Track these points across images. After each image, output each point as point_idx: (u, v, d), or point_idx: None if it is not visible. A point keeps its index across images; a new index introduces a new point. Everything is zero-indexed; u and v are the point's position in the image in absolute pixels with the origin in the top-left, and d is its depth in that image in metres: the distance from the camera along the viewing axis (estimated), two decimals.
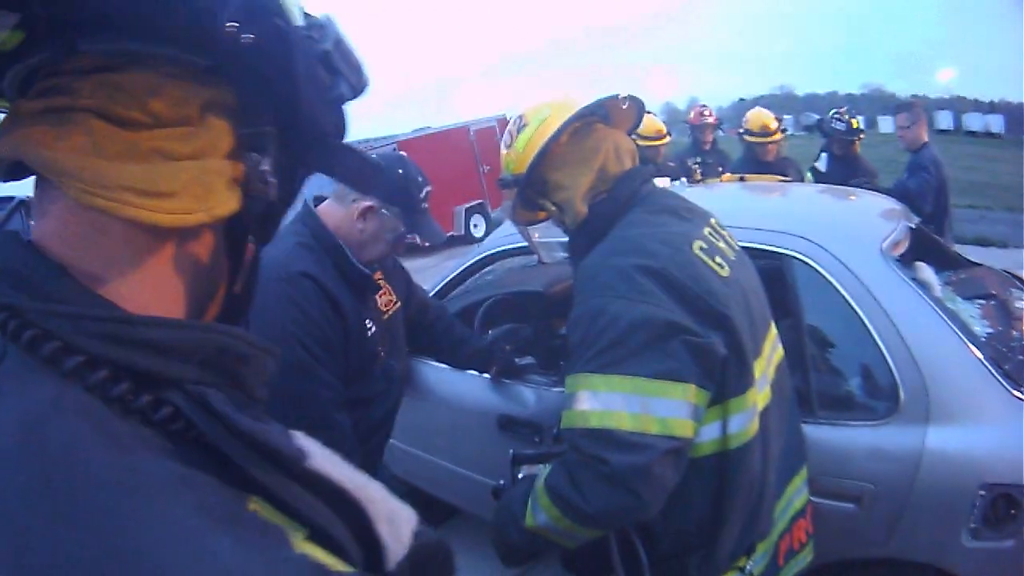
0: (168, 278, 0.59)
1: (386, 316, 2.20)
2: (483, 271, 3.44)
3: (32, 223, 0.56)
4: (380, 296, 2.20)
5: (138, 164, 0.53)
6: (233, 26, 0.52)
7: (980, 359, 1.92)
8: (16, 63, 0.54)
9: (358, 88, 0.67)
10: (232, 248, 0.65)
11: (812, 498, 1.85)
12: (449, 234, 13.80)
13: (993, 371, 1.91)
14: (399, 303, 2.31)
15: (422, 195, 2.05)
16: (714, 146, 6.13)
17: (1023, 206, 10.97)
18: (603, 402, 1.30)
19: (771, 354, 1.60)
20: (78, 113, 0.52)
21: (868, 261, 2.13)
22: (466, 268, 3.27)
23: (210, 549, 0.43)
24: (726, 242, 1.59)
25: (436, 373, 3.02)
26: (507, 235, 3.15)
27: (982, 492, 1.80)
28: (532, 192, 1.65)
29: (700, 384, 1.31)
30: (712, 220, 1.62)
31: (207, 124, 0.57)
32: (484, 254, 3.19)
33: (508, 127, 1.73)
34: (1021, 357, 2.08)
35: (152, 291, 0.58)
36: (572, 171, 1.57)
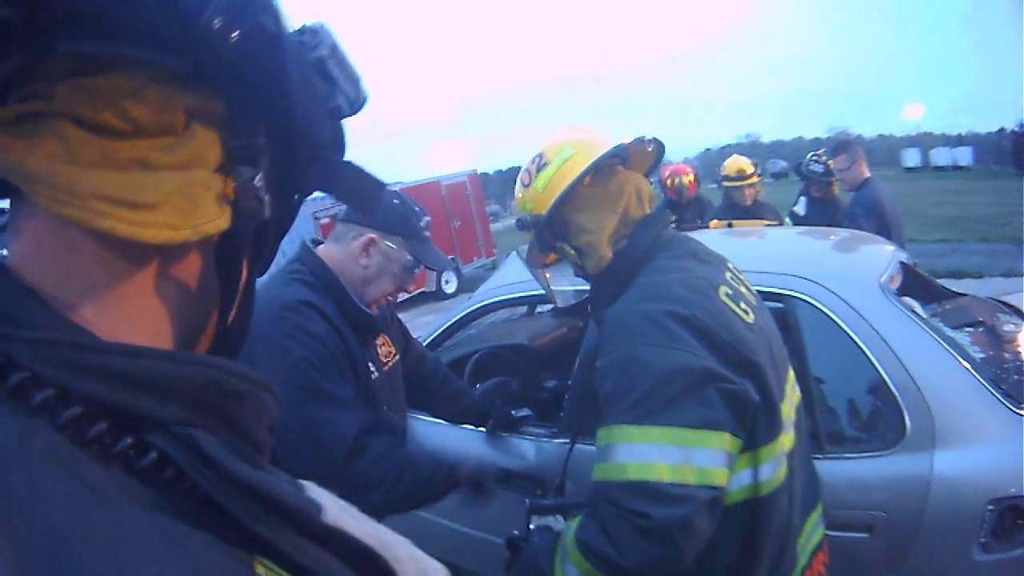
0: (150, 307, 0.54)
1: (386, 367, 2.16)
2: (470, 324, 3.47)
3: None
4: (381, 346, 2.17)
5: (116, 172, 0.48)
6: (218, 22, 0.47)
7: (981, 381, 2.04)
8: None
9: (356, 102, 0.63)
10: (225, 273, 0.59)
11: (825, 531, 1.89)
12: (420, 290, 13.75)
13: (994, 391, 2.03)
14: (398, 355, 2.28)
15: (422, 224, 2.04)
16: (694, 198, 6.30)
17: (998, 236, 11.23)
18: (641, 454, 1.26)
19: (792, 395, 1.60)
20: (52, 119, 0.47)
21: (869, 297, 2.24)
22: (459, 320, 3.28)
23: None
24: (746, 287, 1.59)
25: (429, 428, 3.00)
26: (497, 287, 3.18)
27: (990, 507, 1.89)
28: (550, 234, 1.62)
29: (734, 432, 1.29)
30: (729, 264, 1.62)
31: (192, 133, 0.52)
32: (476, 305, 3.21)
33: (525, 165, 1.67)
34: (1016, 376, 2.20)
35: (131, 321, 0.52)
36: (597, 214, 1.55)
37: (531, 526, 1.73)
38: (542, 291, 2.94)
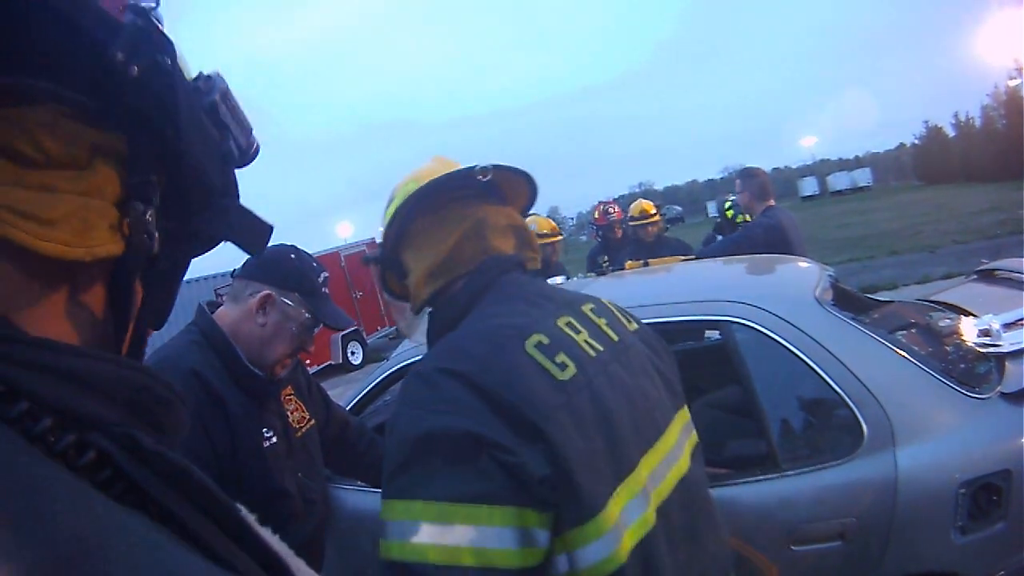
0: (64, 332, 0.56)
1: (299, 434, 2.17)
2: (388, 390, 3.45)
3: None
4: (292, 412, 2.18)
5: (22, 190, 0.52)
6: (121, 56, 0.53)
7: (932, 374, 2.18)
8: None
9: (247, 150, 0.69)
10: (117, 304, 0.62)
11: (795, 548, 2.00)
12: (327, 363, 14.01)
13: (947, 382, 2.17)
14: (313, 421, 2.28)
15: (320, 280, 2.06)
16: (625, 238, 6.79)
17: (908, 247, 11.92)
18: (403, 531, 1.11)
19: (665, 464, 1.34)
20: None
21: (806, 310, 2.37)
22: (379, 383, 3.26)
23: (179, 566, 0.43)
24: (601, 330, 1.38)
25: (358, 496, 2.95)
26: (414, 347, 3.17)
27: (962, 491, 2.01)
28: (393, 273, 1.55)
29: (527, 506, 1.11)
30: (585, 307, 1.42)
31: (95, 168, 0.57)
32: (395, 368, 3.20)
33: None
34: (964, 365, 2.36)
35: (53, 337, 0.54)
36: (421, 251, 1.45)
37: None
38: None
